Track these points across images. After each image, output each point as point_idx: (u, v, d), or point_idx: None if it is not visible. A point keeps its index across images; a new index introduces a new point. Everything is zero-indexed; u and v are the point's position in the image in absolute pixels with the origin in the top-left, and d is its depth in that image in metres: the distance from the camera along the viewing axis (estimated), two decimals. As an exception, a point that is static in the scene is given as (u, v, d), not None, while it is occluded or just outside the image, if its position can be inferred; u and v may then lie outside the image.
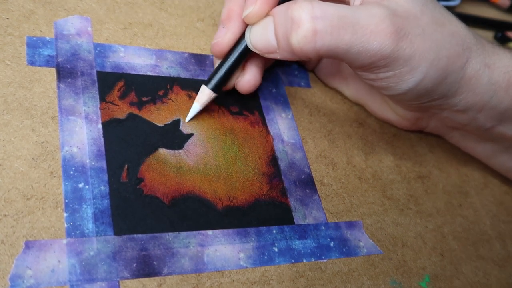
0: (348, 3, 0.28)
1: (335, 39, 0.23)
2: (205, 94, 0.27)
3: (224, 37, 0.27)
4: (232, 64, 0.27)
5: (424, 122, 0.34)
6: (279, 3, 0.26)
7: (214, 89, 0.27)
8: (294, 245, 0.26)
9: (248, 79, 0.28)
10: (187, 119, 0.27)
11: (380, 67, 0.25)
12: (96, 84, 0.26)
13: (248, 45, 0.26)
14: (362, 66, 0.26)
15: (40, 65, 0.26)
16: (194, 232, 0.24)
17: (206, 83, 0.27)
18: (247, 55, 0.27)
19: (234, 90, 0.29)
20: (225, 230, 0.25)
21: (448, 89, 0.27)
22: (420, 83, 0.26)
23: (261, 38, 0.25)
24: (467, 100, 0.28)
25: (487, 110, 0.29)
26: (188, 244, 0.24)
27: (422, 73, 0.26)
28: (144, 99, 0.27)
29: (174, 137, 0.27)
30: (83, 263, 0.21)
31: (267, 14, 0.25)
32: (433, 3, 0.27)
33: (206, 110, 0.28)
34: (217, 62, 0.28)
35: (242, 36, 0.27)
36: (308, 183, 0.29)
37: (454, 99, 0.28)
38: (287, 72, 0.33)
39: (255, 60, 0.28)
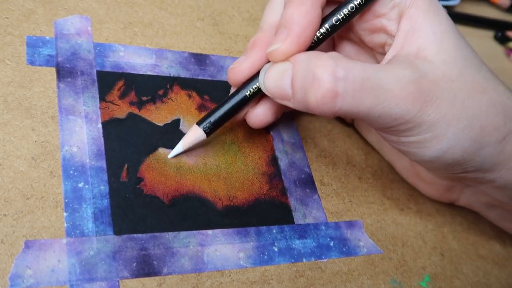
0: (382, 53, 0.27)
1: (355, 102, 0.22)
2: (193, 136, 0.25)
3: (242, 64, 0.25)
4: (238, 103, 0.25)
5: (455, 194, 0.31)
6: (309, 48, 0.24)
7: (208, 130, 0.25)
8: (294, 245, 0.26)
9: (257, 112, 0.26)
10: (170, 155, 0.26)
11: (401, 131, 0.23)
12: (96, 84, 0.26)
13: (260, 85, 0.24)
14: (382, 128, 0.24)
15: (40, 65, 0.26)
16: (194, 231, 0.24)
17: (201, 121, 0.25)
18: (257, 96, 0.25)
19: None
20: (225, 230, 0.25)
21: (483, 162, 0.24)
22: (447, 152, 0.24)
23: (276, 84, 0.23)
24: (507, 178, 0.25)
25: None
26: (188, 243, 0.24)
27: (450, 141, 0.23)
28: (144, 98, 0.27)
29: (174, 136, 0.27)
30: (83, 263, 0.21)
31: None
32: (476, 67, 0.24)
33: (205, 110, 0.28)
34: (232, 90, 0.26)
35: (256, 75, 0.25)
36: (308, 182, 0.29)
37: (491, 174, 0.25)
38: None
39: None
